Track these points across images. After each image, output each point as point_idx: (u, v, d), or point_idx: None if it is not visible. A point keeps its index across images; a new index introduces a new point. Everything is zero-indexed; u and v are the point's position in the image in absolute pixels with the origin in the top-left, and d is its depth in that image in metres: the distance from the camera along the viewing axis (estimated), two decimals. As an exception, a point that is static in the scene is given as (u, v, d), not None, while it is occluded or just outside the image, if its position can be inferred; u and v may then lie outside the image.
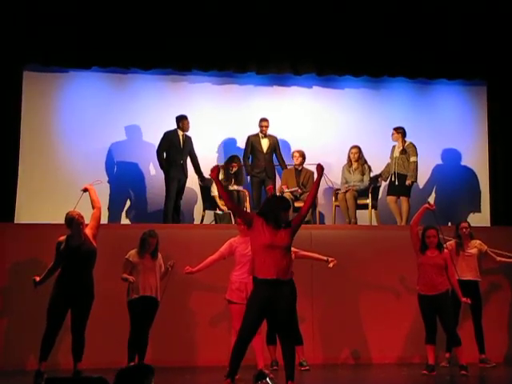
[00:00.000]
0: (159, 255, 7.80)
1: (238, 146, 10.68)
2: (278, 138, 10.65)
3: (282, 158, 10.50)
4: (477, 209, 11.01)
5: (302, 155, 10.21)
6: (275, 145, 10.45)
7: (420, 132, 10.80)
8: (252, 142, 10.38)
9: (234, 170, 9.98)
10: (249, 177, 10.43)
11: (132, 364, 7.30)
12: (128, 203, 10.50)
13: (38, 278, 7.25)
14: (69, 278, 7.15)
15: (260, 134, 10.38)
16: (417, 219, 7.90)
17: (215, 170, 6.36)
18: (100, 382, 4.25)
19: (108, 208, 10.19)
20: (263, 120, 10.37)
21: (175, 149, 9.92)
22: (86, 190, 7.61)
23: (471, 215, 10.85)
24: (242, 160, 10.19)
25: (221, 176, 9.26)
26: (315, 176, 6.79)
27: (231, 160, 9.99)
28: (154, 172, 10.51)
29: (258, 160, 10.35)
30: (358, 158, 10.20)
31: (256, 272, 6.01)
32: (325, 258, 7.95)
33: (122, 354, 7.56)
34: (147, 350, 7.66)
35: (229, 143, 10.81)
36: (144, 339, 7.63)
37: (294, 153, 10.29)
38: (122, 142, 10.58)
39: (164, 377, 7.14)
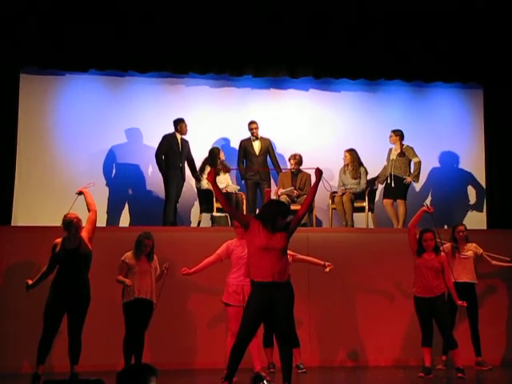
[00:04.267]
0: (155, 257, 7.76)
1: (235, 148, 10.67)
2: (275, 140, 10.68)
3: (277, 161, 10.48)
4: (479, 209, 11.02)
5: (298, 162, 10.11)
6: (268, 147, 10.45)
7: (417, 135, 10.81)
8: (245, 146, 10.40)
9: (223, 159, 10.06)
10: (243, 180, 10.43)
11: (134, 364, 7.21)
12: (127, 206, 10.49)
13: (30, 282, 7.19)
14: (65, 280, 7.13)
15: (251, 137, 10.40)
16: (415, 221, 7.90)
17: (212, 174, 6.36)
18: (98, 384, 4.25)
19: (107, 212, 10.20)
20: (252, 123, 10.38)
21: (174, 152, 9.92)
22: (80, 192, 7.58)
23: (467, 218, 10.86)
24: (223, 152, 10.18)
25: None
26: (312, 179, 6.76)
27: (212, 152, 10.08)
28: (152, 174, 10.50)
29: (250, 163, 10.37)
30: (348, 161, 10.21)
31: (252, 275, 6.01)
32: (322, 262, 7.95)
33: (119, 357, 7.54)
34: (144, 352, 7.61)
35: (225, 146, 10.79)
36: (140, 341, 7.57)
37: (289, 160, 10.25)
38: (120, 145, 10.57)
39: (161, 380, 6.99)
